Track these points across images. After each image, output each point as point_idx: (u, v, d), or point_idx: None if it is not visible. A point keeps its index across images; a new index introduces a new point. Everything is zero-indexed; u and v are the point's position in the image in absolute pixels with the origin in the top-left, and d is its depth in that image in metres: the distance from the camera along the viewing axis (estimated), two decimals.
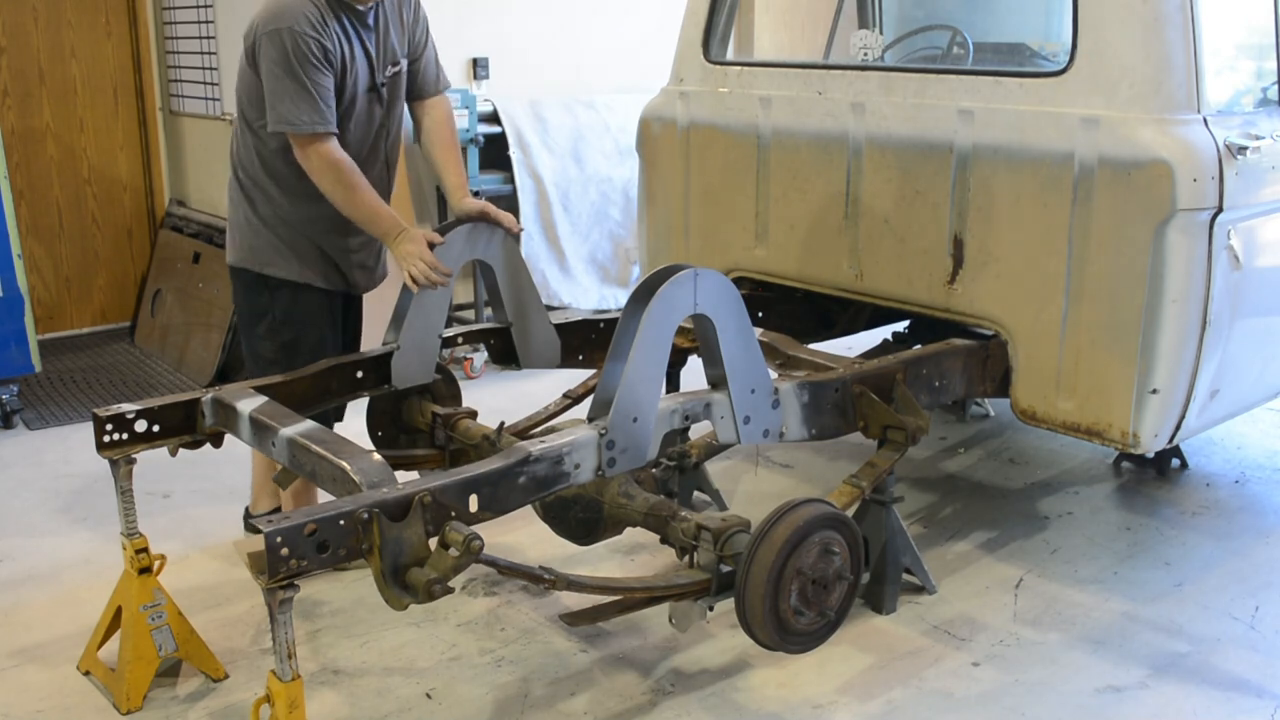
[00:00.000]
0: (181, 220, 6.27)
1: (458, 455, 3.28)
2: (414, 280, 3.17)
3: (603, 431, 2.65)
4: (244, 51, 3.26)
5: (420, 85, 3.53)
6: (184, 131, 6.39)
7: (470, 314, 5.85)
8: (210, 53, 5.94)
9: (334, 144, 3.18)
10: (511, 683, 3.04)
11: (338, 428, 3.43)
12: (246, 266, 3.43)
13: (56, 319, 6.33)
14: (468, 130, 5.45)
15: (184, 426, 2.91)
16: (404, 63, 3.42)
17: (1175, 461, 4.46)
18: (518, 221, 3.48)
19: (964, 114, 3.44)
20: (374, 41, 3.30)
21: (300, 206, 3.35)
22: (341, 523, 2.22)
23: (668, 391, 3.56)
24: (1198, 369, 3.19)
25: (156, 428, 2.85)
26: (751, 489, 4.30)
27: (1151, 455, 4.33)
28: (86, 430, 3.19)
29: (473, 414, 3.33)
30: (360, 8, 3.22)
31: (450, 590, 2.31)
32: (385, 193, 3.48)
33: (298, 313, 3.40)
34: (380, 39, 3.32)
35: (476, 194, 5.58)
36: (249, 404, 2.82)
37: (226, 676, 3.03)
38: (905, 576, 3.46)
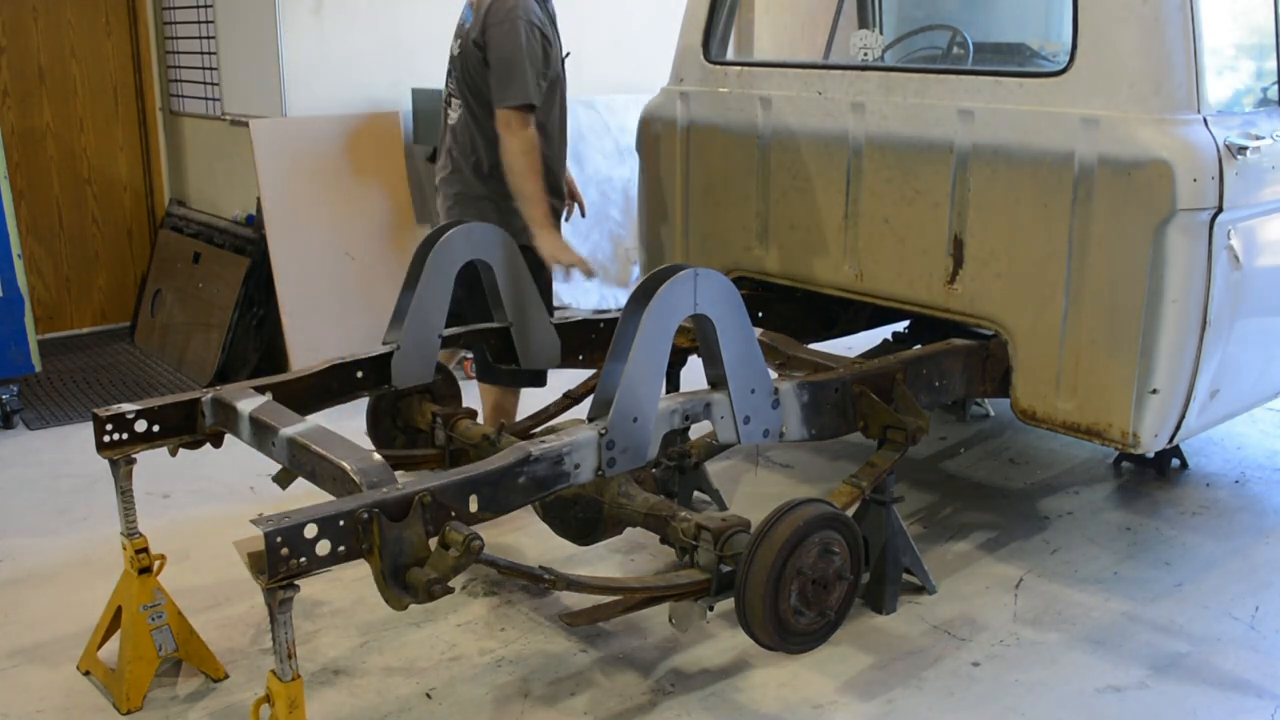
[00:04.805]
0: (181, 220, 6.27)
1: (458, 455, 3.28)
2: (566, 272, 3.88)
3: (603, 431, 2.65)
4: (470, 44, 3.67)
5: None
6: (184, 131, 6.39)
7: None
8: (210, 53, 5.93)
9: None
10: (511, 683, 3.04)
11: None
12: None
13: (56, 319, 6.33)
14: None
15: (184, 426, 2.91)
16: None
17: (1175, 461, 4.45)
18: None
19: (964, 114, 3.44)
20: (554, 27, 3.78)
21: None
22: (341, 523, 2.22)
23: (668, 391, 3.56)
24: (1198, 369, 3.19)
25: (156, 428, 2.85)
26: (751, 489, 4.30)
27: (1151, 455, 4.33)
28: (86, 430, 3.19)
29: (473, 414, 3.33)
30: None
31: (450, 590, 2.31)
32: (562, 165, 3.96)
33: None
34: (556, 25, 3.79)
35: None
36: (249, 404, 2.82)
37: (226, 676, 3.03)
38: (905, 576, 3.46)
